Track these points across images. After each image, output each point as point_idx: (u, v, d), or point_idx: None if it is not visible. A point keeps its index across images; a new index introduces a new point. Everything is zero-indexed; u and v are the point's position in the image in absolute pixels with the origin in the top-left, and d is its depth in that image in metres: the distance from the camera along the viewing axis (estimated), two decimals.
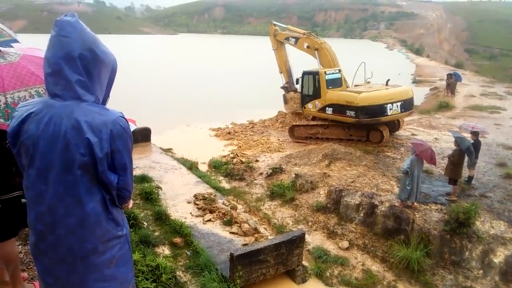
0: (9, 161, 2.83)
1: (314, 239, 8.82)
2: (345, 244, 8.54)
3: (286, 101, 19.04)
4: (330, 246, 8.57)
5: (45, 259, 2.11)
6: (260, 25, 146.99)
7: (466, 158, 9.07)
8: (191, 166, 11.85)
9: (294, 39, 16.73)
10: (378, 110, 12.80)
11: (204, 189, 9.95)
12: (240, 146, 15.71)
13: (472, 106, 22.73)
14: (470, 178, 9.73)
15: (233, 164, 12.71)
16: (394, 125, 14.56)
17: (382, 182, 10.03)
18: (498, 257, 7.37)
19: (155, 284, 5.36)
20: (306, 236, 8.03)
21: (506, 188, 9.63)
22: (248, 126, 19.10)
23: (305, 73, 15.15)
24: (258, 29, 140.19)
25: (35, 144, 1.97)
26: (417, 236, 7.93)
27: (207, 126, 18.82)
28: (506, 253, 7.36)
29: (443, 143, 13.52)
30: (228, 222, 8.27)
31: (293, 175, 11.00)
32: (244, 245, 7.37)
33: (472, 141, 9.39)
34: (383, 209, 8.77)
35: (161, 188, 9.51)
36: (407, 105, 13.40)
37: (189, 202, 9.14)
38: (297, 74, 16.45)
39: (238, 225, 8.18)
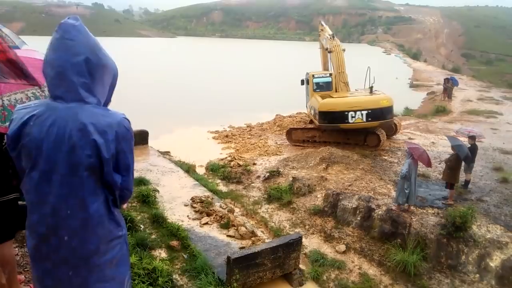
0: (6, 163, 2.83)
1: (311, 243, 8.82)
2: (342, 247, 8.54)
3: None
4: (327, 250, 8.57)
5: (46, 262, 2.09)
6: (258, 29, 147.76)
7: (463, 163, 9.11)
8: (189, 169, 11.83)
9: (325, 40, 16.29)
10: (338, 117, 12.87)
11: (201, 192, 9.94)
12: (237, 149, 15.71)
13: (469, 111, 22.84)
14: (467, 182, 9.77)
15: (231, 167, 12.71)
16: (391, 129, 14.61)
17: (379, 186, 10.05)
18: (495, 261, 7.39)
19: (151, 287, 5.35)
20: (303, 239, 8.03)
21: (502, 192, 9.67)
22: (246, 129, 19.11)
23: (307, 75, 15.52)
24: (257, 33, 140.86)
25: (38, 147, 1.96)
26: (413, 240, 7.94)
27: (205, 129, 18.82)
28: (502, 257, 7.38)
29: (440, 147, 13.57)
30: (225, 225, 8.25)
31: (291, 179, 11.00)
32: (241, 248, 7.35)
33: (469, 146, 9.45)
34: (380, 212, 8.78)
35: (158, 191, 9.48)
36: (377, 115, 12.86)
37: (186, 205, 9.12)
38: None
39: (235, 228, 8.17)
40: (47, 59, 2.01)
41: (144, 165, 11.32)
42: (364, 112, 12.72)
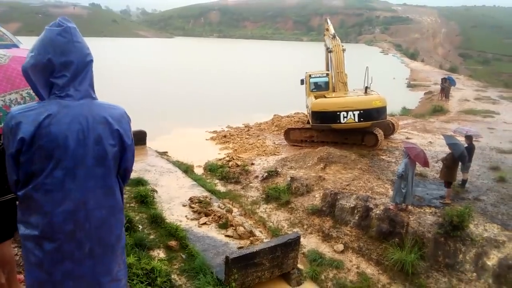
0: (3, 164, 2.83)
1: (309, 242, 8.84)
2: (340, 247, 8.57)
3: None
4: (325, 249, 8.59)
5: (68, 262, 2.08)
6: (256, 29, 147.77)
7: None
8: (187, 169, 11.84)
9: (329, 40, 16.18)
10: (330, 117, 12.92)
11: (199, 192, 9.95)
12: (235, 150, 15.72)
13: (466, 110, 22.92)
14: (464, 182, 9.81)
15: (229, 167, 12.72)
16: (389, 129, 14.65)
17: (377, 185, 10.08)
18: (492, 260, 7.42)
19: (150, 287, 5.35)
20: (301, 239, 8.05)
21: (499, 192, 9.71)
22: (244, 129, 19.12)
23: (306, 75, 15.60)
24: (254, 33, 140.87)
25: (61, 145, 1.99)
26: (411, 239, 7.97)
27: (203, 129, 18.82)
28: (499, 256, 7.41)
29: (438, 147, 13.61)
30: (224, 225, 8.27)
31: (289, 178, 11.02)
32: (240, 248, 7.37)
33: (466, 145, 9.48)
34: (377, 212, 8.81)
35: (156, 191, 9.49)
36: (369, 115, 12.88)
37: (184, 205, 9.13)
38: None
39: (234, 228, 8.19)
40: (58, 62, 2.03)
41: (142, 166, 11.32)
42: (356, 113, 12.74)
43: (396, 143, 14.17)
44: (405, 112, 23.53)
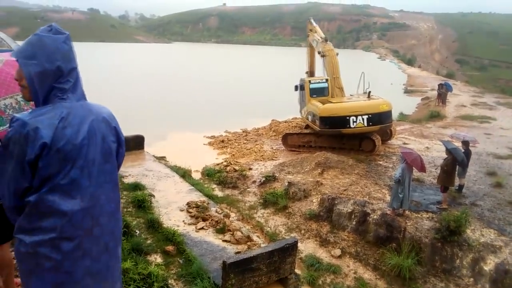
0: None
1: (307, 247, 8.84)
2: (338, 252, 8.57)
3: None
4: (323, 254, 8.59)
5: (86, 259, 2.15)
6: (254, 35, 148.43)
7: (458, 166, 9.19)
8: (184, 174, 11.82)
9: (316, 42, 16.35)
10: (340, 122, 12.89)
11: (197, 197, 9.93)
12: (233, 154, 15.73)
13: (463, 116, 23.03)
14: (461, 187, 9.85)
15: (226, 172, 12.72)
16: (386, 134, 14.70)
17: (374, 191, 10.10)
18: (489, 265, 7.44)
19: None
20: (299, 244, 8.04)
21: (496, 197, 9.76)
22: (242, 134, 19.15)
23: (301, 81, 15.55)
24: (252, 39, 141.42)
25: (76, 146, 2.08)
26: (408, 244, 7.98)
27: (201, 134, 18.83)
28: (496, 261, 7.43)
29: (434, 152, 13.67)
30: (221, 230, 8.25)
31: (286, 183, 11.03)
32: (237, 253, 7.35)
33: (463, 151, 9.54)
34: (375, 217, 8.82)
35: (153, 196, 9.46)
36: (378, 119, 12.98)
37: (182, 210, 9.10)
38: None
39: (231, 233, 8.16)
40: (66, 68, 2.13)
41: (139, 170, 11.30)
42: (365, 117, 12.81)
43: (393, 148, 14.22)
44: (402, 117, 23.62)
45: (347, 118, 12.79)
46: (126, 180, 9.95)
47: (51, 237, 2.03)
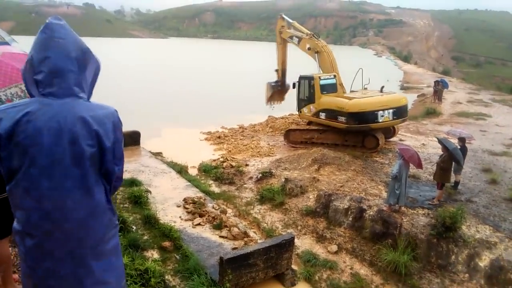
0: None
1: (303, 243, 8.86)
2: (334, 248, 8.60)
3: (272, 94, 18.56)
4: (319, 250, 8.62)
5: (48, 261, 2.10)
6: (250, 30, 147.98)
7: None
8: (181, 170, 11.81)
9: (297, 39, 16.15)
10: (369, 116, 12.83)
11: (193, 193, 9.93)
12: (230, 150, 15.71)
13: (459, 113, 23.12)
14: (457, 183, 9.89)
15: (223, 168, 12.71)
16: (389, 131, 14.59)
17: (370, 187, 10.13)
18: (484, 261, 7.49)
19: None
20: (295, 240, 8.07)
21: (491, 193, 9.81)
22: (238, 130, 19.11)
23: (301, 78, 15.11)
24: (249, 34, 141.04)
25: (36, 143, 1.99)
26: (404, 240, 8.02)
27: (197, 130, 18.79)
28: (491, 257, 7.48)
29: (430, 149, 13.72)
30: (218, 226, 8.26)
31: (283, 180, 11.04)
32: (234, 249, 7.37)
33: (459, 147, 9.56)
34: (371, 213, 8.86)
35: (150, 192, 9.45)
36: (400, 113, 13.38)
37: (178, 206, 9.10)
38: (293, 77, 16.44)
39: (228, 229, 8.18)
40: (37, 58, 2.04)
41: (136, 166, 11.28)
42: (391, 111, 13.04)
43: (390, 145, 14.24)
44: None
45: (376, 112, 12.83)
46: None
47: (19, 229, 2.10)
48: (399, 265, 7.59)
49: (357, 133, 13.45)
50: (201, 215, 8.67)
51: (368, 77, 14.64)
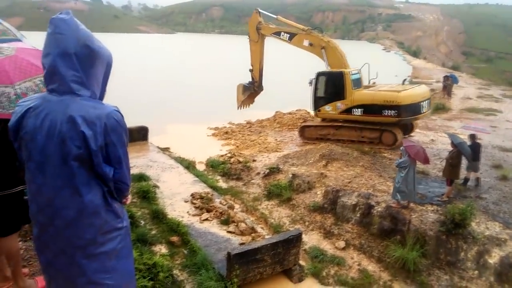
0: (13, 155, 2.85)
1: (311, 239, 8.85)
2: (342, 244, 8.58)
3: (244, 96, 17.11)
4: (327, 246, 8.60)
5: (47, 251, 2.16)
6: None
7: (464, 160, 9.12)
8: (189, 165, 11.84)
9: (288, 35, 15.01)
10: (416, 108, 12.89)
11: (201, 188, 9.95)
12: (237, 146, 15.72)
13: (469, 108, 22.86)
14: (467, 180, 9.74)
15: (231, 163, 12.71)
16: (407, 128, 14.25)
17: (378, 183, 10.07)
18: (493, 258, 7.42)
19: (152, 282, 5.36)
20: (303, 236, 8.06)
21: (501, 190, 9.70)
22: (246, 126, 19.11)
23: (320, 74, 14.07)
24: None
25: (33, 139, 2.03)
26: (413, 236, 7.97)
27: (205, 126, 18.82)
28: (501, 254, 7.41)
29: (440, 145, 13.59)
30: (225, 221, 8.27)
31: (290, 175, 11.02)
32: (241, 244, 7.37)
33: (470, 144, 9.44)
34: (379, 209, 8.81)
35: (158, 187, 9.50)
36: (430, 104, 14.01)
37: (186, 201, 9.13)
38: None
39: (235, 224, 8.19)
40: (43, 54, 2.08)
41: (144, 161, 11.33)
42: (427, 102, 13.35)
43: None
44: None
45: (420, 104, 12.94)
46: (131, 171, 9.99)
47: (30, 215, 2.21)
48: (407, 261, 7.55)
49: (374, 129, 13.16)
50: (208, 210, 8.69)
51: (376, 71, 14.43)
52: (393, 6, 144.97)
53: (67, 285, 2.18)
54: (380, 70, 14.09)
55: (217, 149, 15.30)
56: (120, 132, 2.13)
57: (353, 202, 9.25)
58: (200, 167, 12.81)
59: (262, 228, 8.82)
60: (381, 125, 13.19)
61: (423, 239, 7.93)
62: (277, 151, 14.33)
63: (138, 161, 11.15)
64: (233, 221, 8.31)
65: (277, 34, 15.42)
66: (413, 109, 12.80)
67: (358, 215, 9.06)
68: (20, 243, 4.60)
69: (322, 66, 14.54)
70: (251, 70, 16.81)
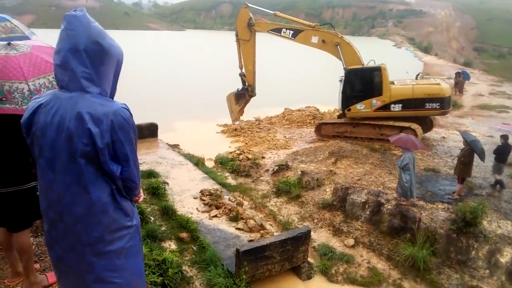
0: (26, 151, 2.88)
1: (320, 236, 8.83)
2: (351, 241, 8.54)
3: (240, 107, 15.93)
4: (336, 244, 8.58)
5: (57, 247, 2.18)
6: None
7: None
8: (198, 162, 11.89)
9: (291, 31, 14.16)
10: (448, 101, 13.06)
11: (210, 185, 9.99)
12: (246, 143, 15.72)
13: (481, 105, 22.54)
14: (501, 183, 9.53)
15: (239, 160, 12.73)
16: (427, 124, 13.89)
17: (388, 181, 9.99)
18: (505, 257, 7.33)
19: (161, 278, 5.41)
20: (312, 233, 8.04)
21: None
22: (255, 123, 19.09)
23: (351, 71, 13.33)
24: None
25: (43, 135, 2.05)
26: (423, 234, 7.90)
27: (214, 123, 18.85)
28: None
29: (451, 142, 13.44)
30: (234, 218, 8.30)
31: (299, 172, 11.00)
32: (250, 241, 7.39)
33: (500, 144, 9.37)
34: (389, 207, 8.75)
35: (167, 184, 9.55)
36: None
37: (195, 198, 9.17)
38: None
39: (244, 221, 8.21)
40: (55, 50, 2.10)
41: (153, 158, 11.40)
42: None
43: None
44: None
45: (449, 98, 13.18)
46: (140, 168, 10.06)
47: (41, 211, 2.23)
48: (417, 260, 7.50)
49: (394, 126, 12.86)
50: (217, 207, 8.72)
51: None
52: (404, 1, 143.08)
53: (76, 282, 2.19)
54: (391, 66, 13.87)
55: (226, 146, 15.33)
56: (128, 130, 2.11)
57: (363, 199, 9.20)
58: (209, 164, 12.86)
59: (271, 225, 8.83)
60: (423, 118, 13.31)
61: (433, 238, 7.87)
62: (286, 148, 14.31)
63: (147, 157, 11.23)
64: (242, 218, 8.33)
65: (277, 30, 14.52)
66: (450, 102, 13.10)
67: (367, 212, 9.01)
68: (31, 238, 4.67)
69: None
70: (242, 75, 15.54)
